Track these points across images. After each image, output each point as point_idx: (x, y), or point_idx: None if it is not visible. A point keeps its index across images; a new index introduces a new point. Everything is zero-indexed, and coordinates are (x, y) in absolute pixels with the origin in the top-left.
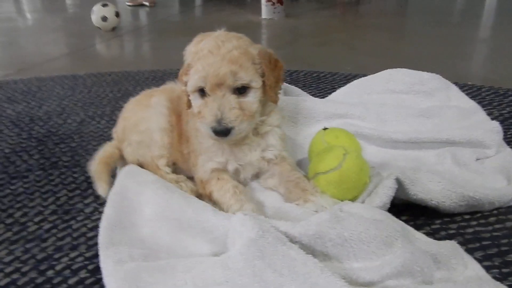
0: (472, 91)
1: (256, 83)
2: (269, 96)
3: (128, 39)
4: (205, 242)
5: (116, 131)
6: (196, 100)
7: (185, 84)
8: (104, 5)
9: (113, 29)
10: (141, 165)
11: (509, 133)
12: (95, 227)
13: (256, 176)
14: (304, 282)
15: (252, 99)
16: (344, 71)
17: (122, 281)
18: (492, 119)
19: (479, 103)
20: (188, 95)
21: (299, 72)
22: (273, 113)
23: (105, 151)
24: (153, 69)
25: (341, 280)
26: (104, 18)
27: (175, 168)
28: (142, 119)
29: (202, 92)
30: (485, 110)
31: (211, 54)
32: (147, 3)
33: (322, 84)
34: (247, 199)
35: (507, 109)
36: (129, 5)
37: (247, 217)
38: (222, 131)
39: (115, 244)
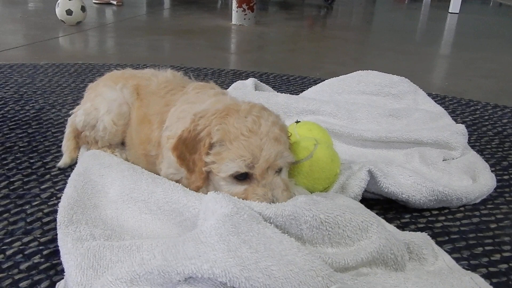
0: (436, 100)
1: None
2: None
3: (93, 34)
4: (174, 225)
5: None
6: (231, 186)
7: (203, 164)
8: None
9: (78, 23)
10: (79, 132)
11: (472, 138)
12: (52, 212)
13: None
14: (281, 259)
15: (286, 174)
16: (314, 76)
17: (82, 258)
18: None
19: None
20: (203, 173)
21: (269, 75)
22: None
23: (73, 125)
24: (119, 63)
25: (318, 259)
26: (69, 12)
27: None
28: (101, 96)
29: (241, 176)
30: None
31: (254, 134)
32: (114, 2)
33: (292, 87)
34: None
35: (470, 117)
36: (95, 3)
37: (220, 195)
38: None
39: (75, 223)
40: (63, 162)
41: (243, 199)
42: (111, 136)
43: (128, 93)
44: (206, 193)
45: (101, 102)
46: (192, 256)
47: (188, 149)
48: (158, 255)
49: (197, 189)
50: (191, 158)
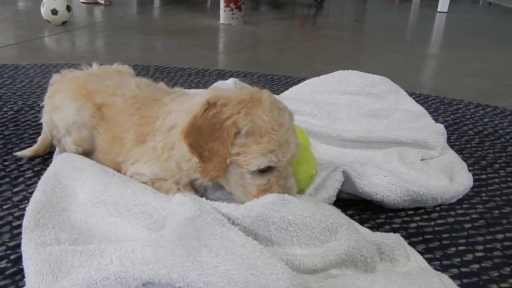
0: (420, 99)
1: None
2: None
3: (80, 34)
4: (143, 228)
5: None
6: (256, 179)
7: (227, 153)
8: None
9: (64, 23)
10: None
11: (452, 137)
12: (23, 216)
13: None
14: (242, 263)
15: None
16: (299, 76)
17: (42, 263)
18: None
19: (425, 109)
20: (226, 163)
21: (254, 74)
22: None
23: None
24: (104, 64)
25: (280, 262)
26: (54, 11)
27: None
28: (58, 112)
29: (266, 169)
30: (431, 116)
31: (281, 127)
32: (102, 2)
33: (275, 86)
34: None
35: (451, 116)
36: (83, 3)
37: (186, 198)
38: None
39: (41, 227)
40: (22, 152)
41: (264, 191)
42: (78, 153)
43: (87, 116)
44: (228, 188)
45: (59, 121)
46: (150, 261)
47: (203, 137)
48: (115, 261)
49: (212, 179)
50: (208, 147)
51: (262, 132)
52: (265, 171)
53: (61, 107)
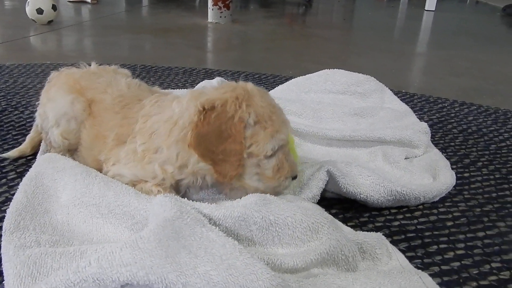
0: (405, 98)
1: None
2: None
3: (66, 34)
4: (125, 229)
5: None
6: (270, 161)
7: (244, 148)
8: None
9: (49, 22)
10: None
11: (437, 136)
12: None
13: None
14: (221, 263)
15: None
16: (286, 75)
17: (21, 266)
18: None
19: (411, 108)
20: (243, 158)
21: (241, 73)
22: None
23: None
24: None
25: (260, 262)
26: (40, 11)
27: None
28: (51, 103)
29: (275, 151)
30: (416, 115)
31: (276, 107)
32: (89, 0)
33: (262, 85)
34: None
35: (436, 115)
36: (70, 1)
37: (167, 199)
38: None
39: (21, 229)
40: (8, 154)
41: (278, 170)
42: (63, 148)
43: (79, 109)
44: (239, 183)
45: (50, 111)
46: (128, 262)
47: (212, 141)
48: (93, 262)
49: (232, 178)
50: (219, 150)
51: (265, 117)
52: (275, 151)
53: (55, 99)
